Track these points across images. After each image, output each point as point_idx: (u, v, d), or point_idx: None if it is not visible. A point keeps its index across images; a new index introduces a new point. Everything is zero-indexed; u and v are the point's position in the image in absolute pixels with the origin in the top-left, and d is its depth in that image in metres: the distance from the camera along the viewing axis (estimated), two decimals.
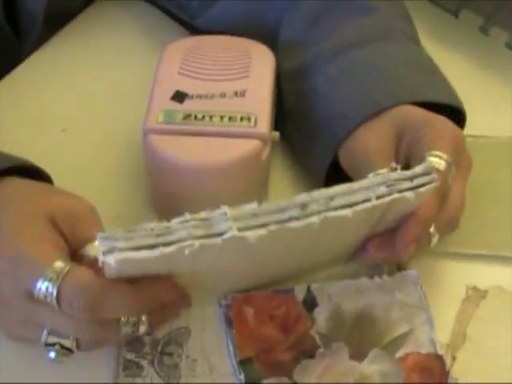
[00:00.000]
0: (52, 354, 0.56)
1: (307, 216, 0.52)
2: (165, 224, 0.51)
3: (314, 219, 0.52)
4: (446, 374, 0.59)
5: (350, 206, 0.53)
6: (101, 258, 0.50)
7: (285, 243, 0.55)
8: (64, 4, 0.83)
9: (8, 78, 0.80)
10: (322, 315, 0.61)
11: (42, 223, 0.57)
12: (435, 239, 0.61)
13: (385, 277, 0.63)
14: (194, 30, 0.81)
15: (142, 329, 0.56)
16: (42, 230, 0.56)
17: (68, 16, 0.85)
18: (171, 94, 0.66)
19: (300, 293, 0.62)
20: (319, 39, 0.72)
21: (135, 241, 0.50)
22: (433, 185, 0.56)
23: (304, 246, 0.57)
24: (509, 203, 0.70)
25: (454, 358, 0.61)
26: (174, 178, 0.64)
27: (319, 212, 0.53)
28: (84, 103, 0.78)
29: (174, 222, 0.51)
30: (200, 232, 0.51)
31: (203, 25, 0.79)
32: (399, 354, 0.60)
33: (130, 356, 0.60)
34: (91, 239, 0.56)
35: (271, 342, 0.60)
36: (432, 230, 0.60)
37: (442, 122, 0.64)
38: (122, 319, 0.55)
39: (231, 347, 0.60)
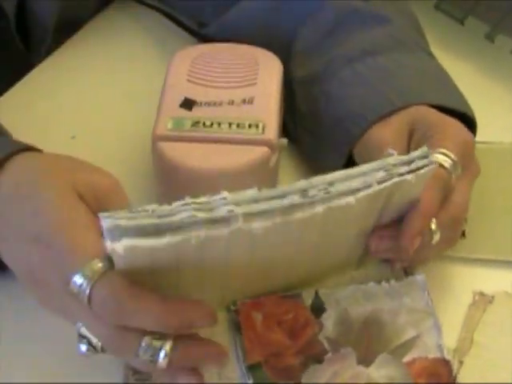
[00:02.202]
0: (82, 347, 0.55)
1: (308, 202, 0.53)
2: (166, 206, 0.51)
3: (318, 209, 0.53)
4: (453, 379, 0.60)
5: (351, 191, 0.54)
6: (108, 246, 0.50)
7: (291, 235, 0.55)
8: (75, 13, 0.84)
9: (18, 86, 0.80)
10: (329, 320, 0.61)
11: (79, 205, 0.56)
12: (437, 237, 0.61)
13: (392, 282, 0.64)
14: (202, 38, 0.82)
15: (162, 360, 0.54)
16: (83, 215, 0.56)
17: (78, 24, 0.86)
18: (180, 101, 0.67)
19: (308, 298, 0.63)
20: (334, 47, 0.73)
21: (137, 220, 0.50)
22: (432, 167, 0.56)
23: (311, 240, 0.57)
24: None
25: (461, 363, 0.61)
26: (183, 185, 0.65)
27: (320, 199, 0.53)
28: (93, 110, 0.78)
29: (175, 204, 0.52)
30: (201, 214, 0.51)
31: (214, 32, 0.80)
32: (406, 358, 0.60)
33: None
34: None
35: (279, 347, 0.60)
36: (434, 227, 0.61)
37: (454, 125, 0.65)
38: (143, 344, 0.53)
39: (240, 352, 0.60)
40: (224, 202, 0.52)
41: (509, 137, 0.76)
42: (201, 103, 0.67)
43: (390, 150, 0.58)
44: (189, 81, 0.69)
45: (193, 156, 0.64)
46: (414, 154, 0.56)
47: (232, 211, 0.51)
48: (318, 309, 0.62)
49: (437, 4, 0.89)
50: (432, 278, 0.65)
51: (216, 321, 0.55)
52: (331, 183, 0.54)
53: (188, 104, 0.67)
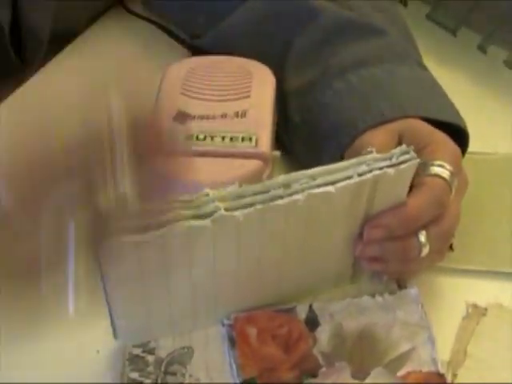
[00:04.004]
0: None
1: (290, 194, 0.54)
2: (151, 206, 0.53)
3: (299, 196, 0.54)
4: None
5: (331, 183, 0.55)
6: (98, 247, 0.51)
7: (275, 224, 0.56)
8: (68, 24, 0.84)
9: (11, 99, 0.80)
10: (324, 334, 0.61)
11: None
12: (426, 250, 0.61)
13: (386, 295, 0.64)
14: (195, 49, 0.82)
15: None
16: None
17: (72, 35, 0.86)
18: (173, 114, 0.67)
19: (302, 312, 0.63)
20: (327, 57, 0.73)
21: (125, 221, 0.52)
22: (413, 162, 0.57)
23: (296, 235, 0.58)
24: (508, 219, 0.71)
25: (454, 376, 0.61)
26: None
27: (301, 189, 0.55)
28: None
29: (160, 203, 0.53)
30: (187, 212, 0.53)
31: (207, 44, 0.80)
32: (401, 372, 0.60)
33: (134, 375, 0.60)
34: None
35: (274, 361, 0.60)
36: (423, 239, 0.61)
37: (444, 138, 0.65)
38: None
39: (234, 367, 0.60)
40: (208, 198, 0.54)
41: (502, 147, 0.77)
42: (194, 116, 0.67)
43: (369, 148, 0.59)
44: (182, 94, 0.69)
45: (186, 170, 0.64)
46: (394, 150, 0.57)
47: (216, 207, 0.53)
48: (312, 323, 0.62)
49: (429, 14, 0.89)
50: (425, 290, 0.65)
51: None
52: (314, 177, 0.55)
53: (181, 117, 0.67)
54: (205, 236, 0.54)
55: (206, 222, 0.53)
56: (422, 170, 0.61)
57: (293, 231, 0.57)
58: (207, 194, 0.54)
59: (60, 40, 0.85)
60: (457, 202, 0.64)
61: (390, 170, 0.56)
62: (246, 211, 0.53)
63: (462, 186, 0.65)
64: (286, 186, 0.55)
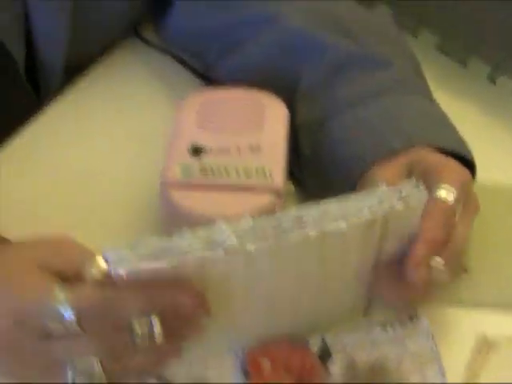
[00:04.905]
0: None
1: (302, 228, 0.55)
2: (166, 238, 0.54)
3: (311, 232, 0.55)
4: None
5: (342, 217, 0.56)
6: (112, 271, 0.53)
7: (288, 260, 0.57)
8: (82, 55, 0.85)
9: (26, 130, 0.81)
10: (336, 366, 0.62)
11: (27, 268, 0.58)
12: (444, 276, 0.62)
13: (397, 327, 0.65)
14: (209, 80, 0.83)
15: (157, 329, 0.55)
16: (30, 270, 0.57)
17: (86, 65, 0.88)
18: (188, 147, 0.68)
19: (315, 344, 0.64)
20: (336, 91, 0.74)
21: (139, 250, 0.53)
22: (423, 197, 0.58)
23: (310, 270, 0.59)
24: None
25: None
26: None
27: (314, 224, 0.55)
28: (101, 155, 0.80)
29: (175, 237, 0.54)
30: (201, 244, 0.54)
31: (221, 76, 0.81)
32: None
33: None
34: (88, 259, 0.56)
35: None
36: (442, 267, 0.61)
37: (452, 164, 0.67)
38: (136, 324, 0.55)
39: None
40: (222, 231, 0.55)
41: (511, 177, 0.77)
42: (209, 150, 0.68)
43: (380, 183, 0.59)
44: (197, 127, 0.70)
45: (201, 203, 0.65)
46: (406, 184, 0.58)
47: (230, 238, 0.54)
48: (324, 355, 0.63)
49: (439, 45, 0.90)
50: (435, 321, 0.66)
51: (205, 304, 0.57)
52: (325, 210, 0.56)
53: (196, 150, 0.68)
54: (217, 267, 0.55)
55: (219, 252, 0.54)
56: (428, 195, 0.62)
57: (305, 266, 0.58)
58: (222, 228, 0.55)
59: (75, 70, 0.86)
60: (465, 223, 0.65)
61: (400, 206, 0.57)
62: (258, 245, 0.54)
63: (472, 209, 0.66)
64: (298, 219, 0.56)
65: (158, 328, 0.55)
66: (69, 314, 0.54)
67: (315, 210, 0.56)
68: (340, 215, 0.56)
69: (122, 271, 0.53)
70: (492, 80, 0.87)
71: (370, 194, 0.58)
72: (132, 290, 0.55)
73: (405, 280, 0.60)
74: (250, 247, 0.54)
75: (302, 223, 0.55)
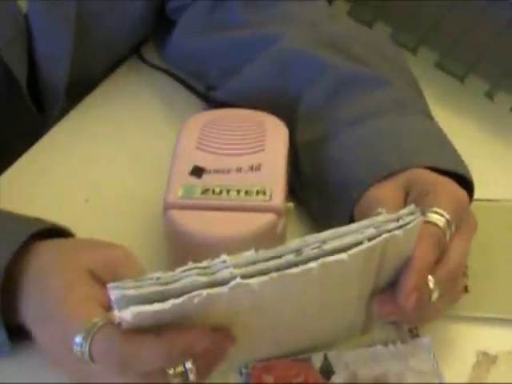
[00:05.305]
0: None
1: (303, 260, 0.56)
2: (170, 273, 0.55)
3: (313, 264, 0.56)
4: None
5: (343, 248, 0.56)
6: (117, 314, 0.53)
7: (289, 291, 0.57)
8: (85, 75, 0.86)
9: (31, 151, 0.82)
10: (339, 382, 0.63)
11: (84, 281, 0.60)
12: (435, 294, 0.63)
13: (398, 344, 0.65)
14: (211, 101, 0.84)
15: (192, 377, 0.57)
16: (86, 288, 0.60)
17: (88, 87, 0.89)
18: (190, 168, 0.69)
19: (317, 361, 0.64)
20: (335, 110, 0.75)
21: (143, 289, 0.54)
22: (418, 220, 0.58)
23: (312, 300, 0.60)
24: None
25: None
26: (193, 251, 0.66)
27: (314, 256, 0.56)
28: (106, 174, 0.80)
29: (178, 270, 0.55)
30: (204, 279, 0.54)
31: (222, 97, 0.82)
32: None
33: None
34: None
35: None
36: (432, 285, 0.62)
37: (448, 184, 0.67)
38: (170, 371, 0.57)
39: None
40: (224, 265, 0.55)
41: (510, 194, 0.78)
42: (210, 170, 0.69)
43: (380, 209, 0.61)
44: (198, 148, 0.71)
45: (202, 224, 0.66)
46: (402, 211, 0.59)
47: (232, 273, 0.54)
48: (327, 371, 0.64)
49: (438, 62, 0.91)
50: (436, 337, 0.66)
51: (211, 338, 0.57)
52: (325, 241, 0.57)
53: (197, 172, 0.69)
54: (221, 302, 0.55)
55: (224, 288, 0.54)
56: None
57: (307, 295, 0.59)
58: (224, 261, 0.55)
59: (77, 91, 0.87)
60: (462, 243, 0.65)
61: (399, 233, 0.58)
62: (261, 279, 0.55)
63: (470, 228, 0.67)
64: (298, 251, 0.56)
65: (190, 366, 0.57)
66: (84, 346, 0.56)
67: (314, 241, 0.57)
68: (340, 247, 0.57)
69: (127, 315, 0.53)
70: (490, 97, 0.88)
71: (369, 223, 0.58)
72: (146, 343, 0.55)
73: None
74: (253, 283, 0.55)
75: (302, 255, 0.56)
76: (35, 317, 0.61)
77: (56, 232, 0.66)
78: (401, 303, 0.61)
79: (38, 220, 0.65)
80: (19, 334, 0.63)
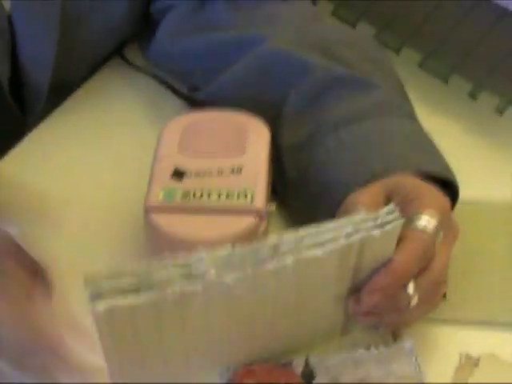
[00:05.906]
0: None
1: (279, 257, 0.56)
2: (144, 265, 0.55)
3: (287, 261, 0.56)
4: None
5: (319, 244, 0.56)
6: (91, 308, 0.53)
7: (265, 289, 0.57)
8: (68, 76, 0.86)
9: (12, 153, 0.82)
10: None
11: None
12: (414, 301, 0.62)
13: (381, 348, 0.65)
14: (194, 102, 0.83)
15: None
16: None
17: (71, 88, 0.88)
18: (171, 171, 0.69)
19: (299, 365, 0.64)
20: (319, 113, 0.75)
21: (117, 280, 0.54)
22: (398, 222, 0.58)
23: (288, 298, 0.60)
24: (502, 269, 0.72)
25: None
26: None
27: (289, 251, 0.56)
28: (87, 176, 0.80)
29: (154, 263, 0.55)
30: (180, 271, 0.55)
31: (204, 98, 0.81)
32: None
33: None
34: None
35: None
36: (411, 291, 0.62)
37: (431, 190, 0.67)
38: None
39: None
40: (201, 260, 0.55)
41: (493, 196, 0.78)
42: (191, 173, 0.69)
43: (359, 209, 0.60)
44: (179, 151, 0.71)
45: (183, 227, 0.66)
46: (381, 210, 0.59)
47: (207, 271, 0.55)
48: (308, 376, 0.63)
49: (421, 62, 0.91)
50: (419, 340, 0.66)
51: None
52: (301, 238, 0.57)
53: (178, 174, 0.69)
54: (196, 300, 0.55)
55: (198, 287, 0.54)
56: (407, 223, 0.62)
57: (283, 293, 0.59)
58: (201, 257, 0.55)
59: (60, 91, 0.86)
60: (445, 251, 0.65)
61: (376, 232, 0.57)
62: (236, 276, 0.55)
63: (451, 236, 0.66)
64: (275, 248, 0.56)
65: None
66: None
67: (292, 238, 0.57)
68: (316, 243, 0.57)
69: (100, 308, 0.53)
70: (473, 97, 0.88)
71: (347, 221, 0.58)
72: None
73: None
74: (228, 279, 0.55)
75: (279, 252, 0.56)
76: None
77: None
78: (362, 298, 0.61)
79: None
80: None
